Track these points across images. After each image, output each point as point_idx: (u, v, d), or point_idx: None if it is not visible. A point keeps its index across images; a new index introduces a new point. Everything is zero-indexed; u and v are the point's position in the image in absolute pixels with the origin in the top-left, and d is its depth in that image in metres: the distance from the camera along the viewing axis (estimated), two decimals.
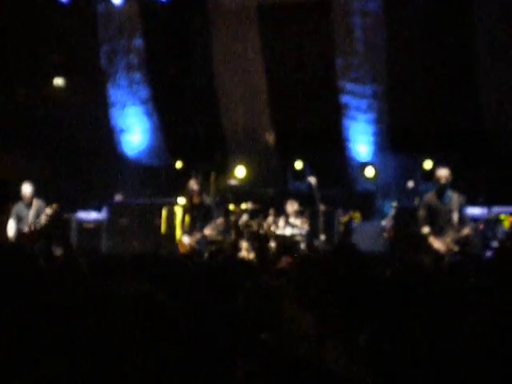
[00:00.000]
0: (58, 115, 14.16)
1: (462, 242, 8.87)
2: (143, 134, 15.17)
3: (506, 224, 11.45)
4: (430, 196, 9.19)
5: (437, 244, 8.87)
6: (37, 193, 10.39)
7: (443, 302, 3.41)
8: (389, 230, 10.85)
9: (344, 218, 12.49)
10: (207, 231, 10.99)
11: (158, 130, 15.15)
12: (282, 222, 12.16)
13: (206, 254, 10.90)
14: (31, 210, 10.33)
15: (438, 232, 8.91)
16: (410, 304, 3.39)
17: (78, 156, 14.14)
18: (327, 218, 12.51)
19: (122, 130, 15.14)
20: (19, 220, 10.32)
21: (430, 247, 8.89)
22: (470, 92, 14.09)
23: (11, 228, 10.33)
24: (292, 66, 14.65)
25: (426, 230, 8.99)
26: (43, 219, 10.12)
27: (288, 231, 11.96)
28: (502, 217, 11.52)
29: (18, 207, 10.41)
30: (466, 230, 8.91)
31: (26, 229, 10.17)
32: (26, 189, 10.43)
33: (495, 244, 10.56)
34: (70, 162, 14.05)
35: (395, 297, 3.51)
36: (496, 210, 11.50)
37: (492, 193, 11.65)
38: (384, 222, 11.21)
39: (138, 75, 14.97)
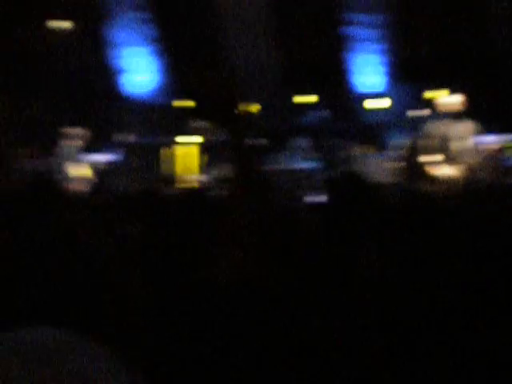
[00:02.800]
0: (59, 57, 14.01)
1: (475, 169, 8.78)
2: (148, 75, 14.99)
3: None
4: (439, 125, 9.10)
5: (445, 172, 8.82)
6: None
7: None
8: (401, 160, 10.76)
9: (357, 152, 12.37)
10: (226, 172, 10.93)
11: (163, 71, 14.97)
12: (293, 157, 12.12)
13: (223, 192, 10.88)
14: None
15: (447, 161, 8.84)
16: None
17: (81, 98, 14.02)
18: (340, 151, 12.42)
19: (126, 71, 14.97)
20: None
21: (438, 176, 8.82)
22: (484, 20, 13.80)
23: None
24: None
25: (434, 158, 8.94)
26: None
27: (300, 166, 11.92)
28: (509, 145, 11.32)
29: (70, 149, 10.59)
30: (476, 159, 8.79)
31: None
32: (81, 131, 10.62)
33: None
34: (73, 103, 13.95)
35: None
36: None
37: (507, 121, 11.45)
38: (396, 153, 11.09)
39: (142, 14, 14.74)
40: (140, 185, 10.93)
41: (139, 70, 14.97)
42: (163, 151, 12.00)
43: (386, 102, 13.81)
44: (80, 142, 10.66)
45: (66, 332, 0.88)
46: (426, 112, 10.46)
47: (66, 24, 14.07)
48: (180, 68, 14.46)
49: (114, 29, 14.82)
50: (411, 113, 12.12)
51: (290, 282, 2.35)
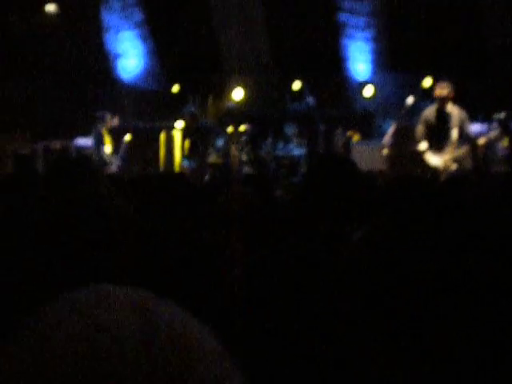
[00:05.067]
0: (51, 42, 13.99)
1: (460, 160, 8.71)
2: (138, 58, 14.98)
3: (505, 142, 11.33)
4: (428, 112, 8.96)
5: (433, 160, 8.74)
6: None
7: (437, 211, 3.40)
8: (388, 147, 10.78)
9: (343, 139, 12.42)
10: (211, 157, 11.04)
11: (153, 54, 14.96)
12: (281, 143, 12.17)
13: (207, 177, 10.96)
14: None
15: (436, 149, 8.78)
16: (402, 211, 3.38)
17: (74, 83, 14.01)
18: (326, 138, 12.48)
19: (117, 55, 14.95)
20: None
21: (426, 164, 8.78)
22: (471, 7, 13.86)
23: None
24: None
25: (423, 146, 8.86)
26: None
27: (288, 152, 11.98)
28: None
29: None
30: (464, 149, 8.77)
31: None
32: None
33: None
34: (66, 89, 13.94)
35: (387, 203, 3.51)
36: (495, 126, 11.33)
37: (492, 109, 11.50)
38: (383, 140, 11.13)
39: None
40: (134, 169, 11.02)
41: (129, 55, 14.96)
42: (157, 135, 12.04)
43: (374, 89, 13.87)
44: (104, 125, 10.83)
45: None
46: (414, 99, 10.47)
47: (57, 8, 14.01)
48: (169, 53, 14.48)
49: (104, 13, 14.80)
50: (398, 100, 12.17)
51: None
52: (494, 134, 9.33)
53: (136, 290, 0.74)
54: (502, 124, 9.54)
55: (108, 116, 10.76)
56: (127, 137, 11.11)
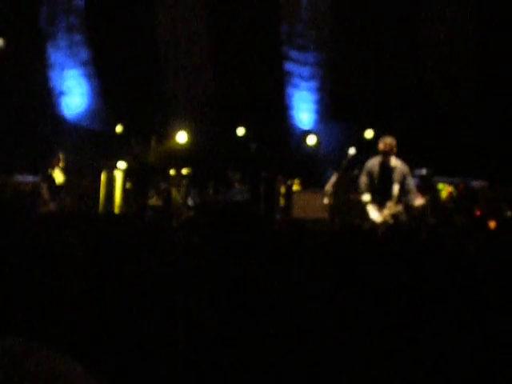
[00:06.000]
0: None
1: (398, 216, 8.67)
2: (83, 97, 14.89)
3: (444, 194, 11.54)
4: (371, 164, 8.86)
5: (373, 214, 8.68)
6: None
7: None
8: (329, 196, 10.86)
9: (284, 186, 12.49)
10: (152, 199, 10.97)
11: (98, 93, 14.88)
12: (223, 188, 12.19)
13: (147, 219, 10.85)
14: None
15: (377, 202, 8.70)
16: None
17: (15, 118, 13.83)
18: (268, 184, 12.53)
19: (61, 93, 14.84)
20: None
21: (366, 215, 8.74)
22: (413, 61, 14.21)
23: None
24: (236, 31, 14.52)
25: (366, 197, 8.80)
26: None
27: (230, 197, 11.98)
28: (440, 186, 11.58)
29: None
30: (402, 206, 8.76)
31: None
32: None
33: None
34: (7, 124, 13.74)
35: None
36: (435, 179, 11.53)
37: (433, 162, 11.70)
38: (324, 189, 11.21)
39: (78, 36, 14.65)
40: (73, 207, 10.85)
41: (73, 93, 14.86)
42: (98, 174, 11.94)
43: (317, 139, 14.06)
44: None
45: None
46: (356, 150, 10.57)
47: (2, 42, 13.85)
48: (114, 93, 14.42)
49: (50, 50, 14.71)
50: (341, 150, 12.31)
51: None
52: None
53: (14, 339, 0.97)
54: (424, 180, 9.66)
55: (58, 155, 10.76)
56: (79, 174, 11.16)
